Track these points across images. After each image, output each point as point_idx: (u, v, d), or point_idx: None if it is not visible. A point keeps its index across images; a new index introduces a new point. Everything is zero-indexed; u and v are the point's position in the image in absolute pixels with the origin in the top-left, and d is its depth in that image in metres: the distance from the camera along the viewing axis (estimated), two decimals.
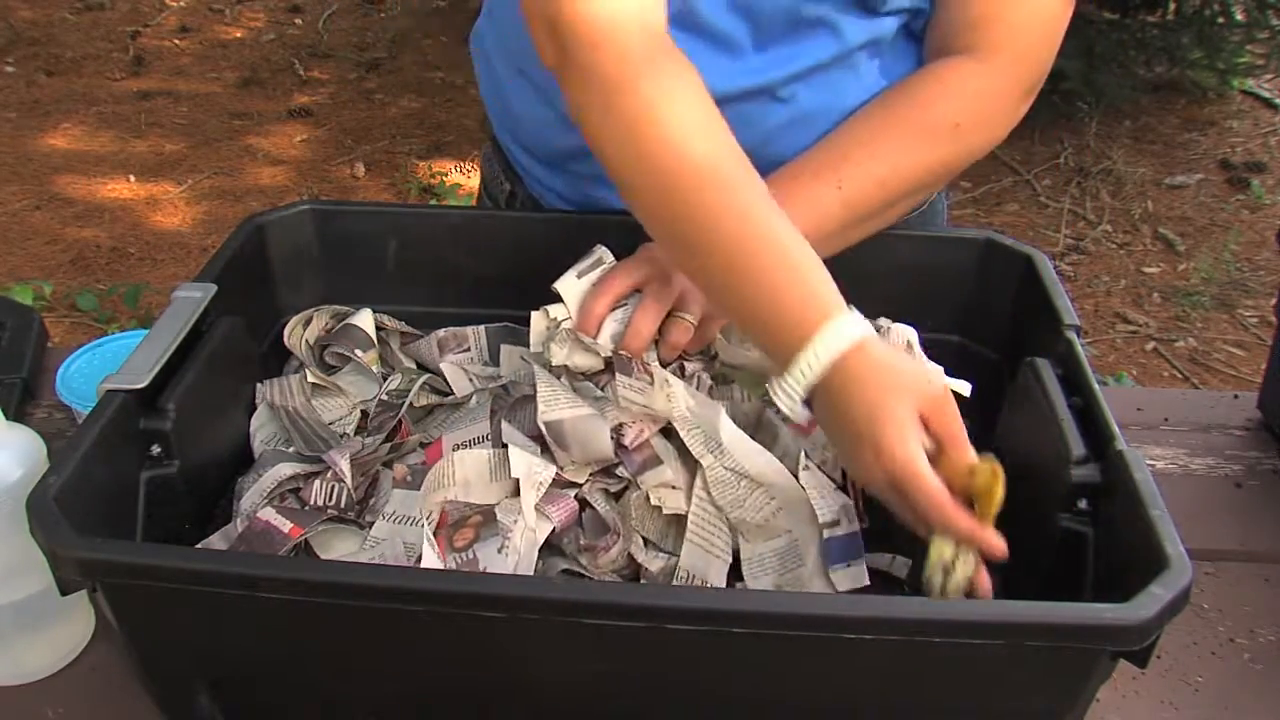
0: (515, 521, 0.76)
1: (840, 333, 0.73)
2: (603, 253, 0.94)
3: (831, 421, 0.75)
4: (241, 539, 0.78)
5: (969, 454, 0.73)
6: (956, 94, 0.92)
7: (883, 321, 0.99)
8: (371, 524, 0.81)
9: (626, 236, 1.00)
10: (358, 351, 0.95)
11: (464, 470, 0.80)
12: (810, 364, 0.73)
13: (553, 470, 0.80)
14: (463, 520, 0.78)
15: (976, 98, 0.92)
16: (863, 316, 0.75)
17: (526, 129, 1.09)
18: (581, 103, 0.81)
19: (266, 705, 0.73)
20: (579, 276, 0.92)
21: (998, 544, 0.70)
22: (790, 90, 0.96)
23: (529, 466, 0.79)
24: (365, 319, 0.98)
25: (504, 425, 0.85)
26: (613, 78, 0.78)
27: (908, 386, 0.72)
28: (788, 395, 0.74)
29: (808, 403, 0.76)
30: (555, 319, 0.91)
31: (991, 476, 0.70)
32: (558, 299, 0.92)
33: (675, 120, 0.78)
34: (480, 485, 0.80)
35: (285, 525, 0.78)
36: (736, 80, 0.95)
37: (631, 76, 0.78)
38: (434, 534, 0.77)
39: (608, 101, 0.79)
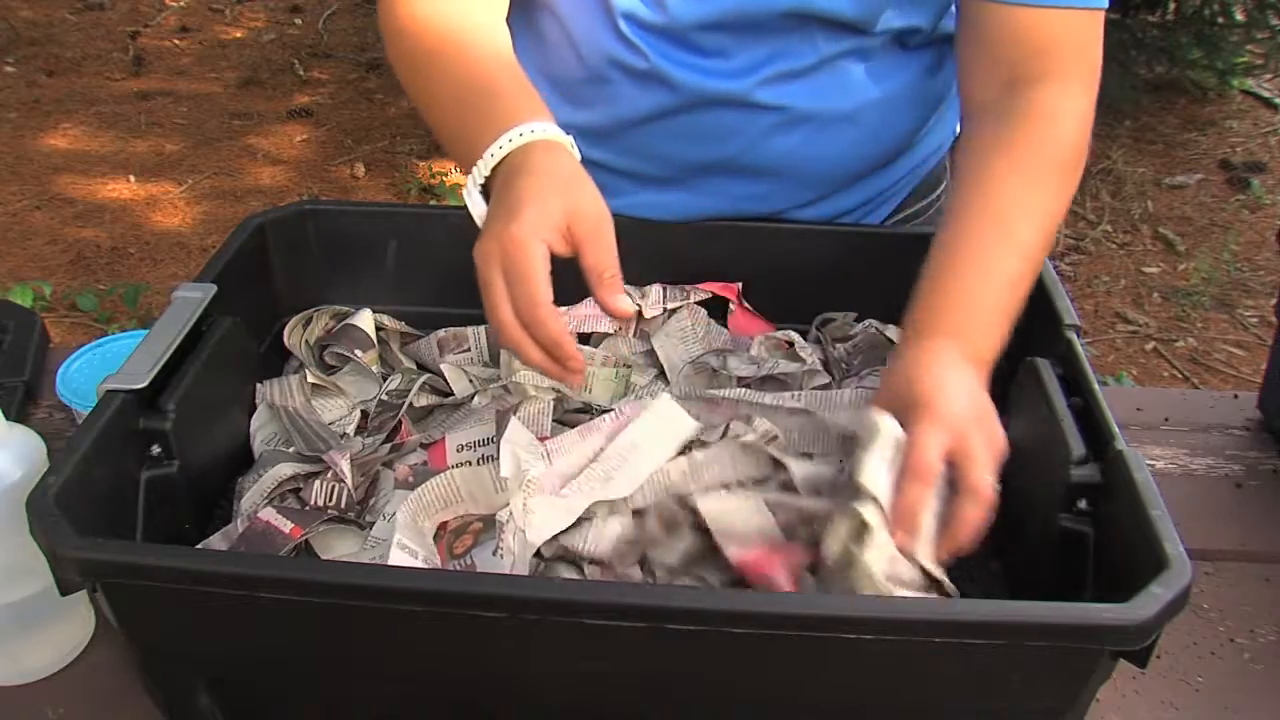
0: (506, 522, 0.76)
1: (534, 129, 0.80)
2: (886, 424, 0.76)
3: (494, 202, 0.79)
4: (242, 539, 0.78)
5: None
6: (1064, 125, 0.91)
7: (874, 324, 0.99)
8: (372, 524, 0.81)
9: (622, 237, 1.00)
10: (357, 352, 0.95)
11: (469, 487, 0.79)
12: (496, 149, 0.80)
13: (542, 466, 0.80)
14: (463, 527, 0.78)
15: (1078, 120, 0.92)
16: (556, 130, 0.82)
17: None
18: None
19: (266, 705, 0.73)
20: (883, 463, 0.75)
21: (572, 358, 0.75)
22: (770, 94, 0.96)
23: (517, 464, 0.78)
24: (365, 319, 0.98)
25: (513, 421, 0.83)
26: None
27: (565, 193, 0.77)
28: (475, 179, 0.80)
29: (485, 193, 0.81)
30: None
31: None
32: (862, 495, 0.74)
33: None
34: (485, 499, 0.80)
35: (286, 525, 0.78)
36: (714, 84, 0.95)
37: None
38: (434, 540, 0.77)
39: None
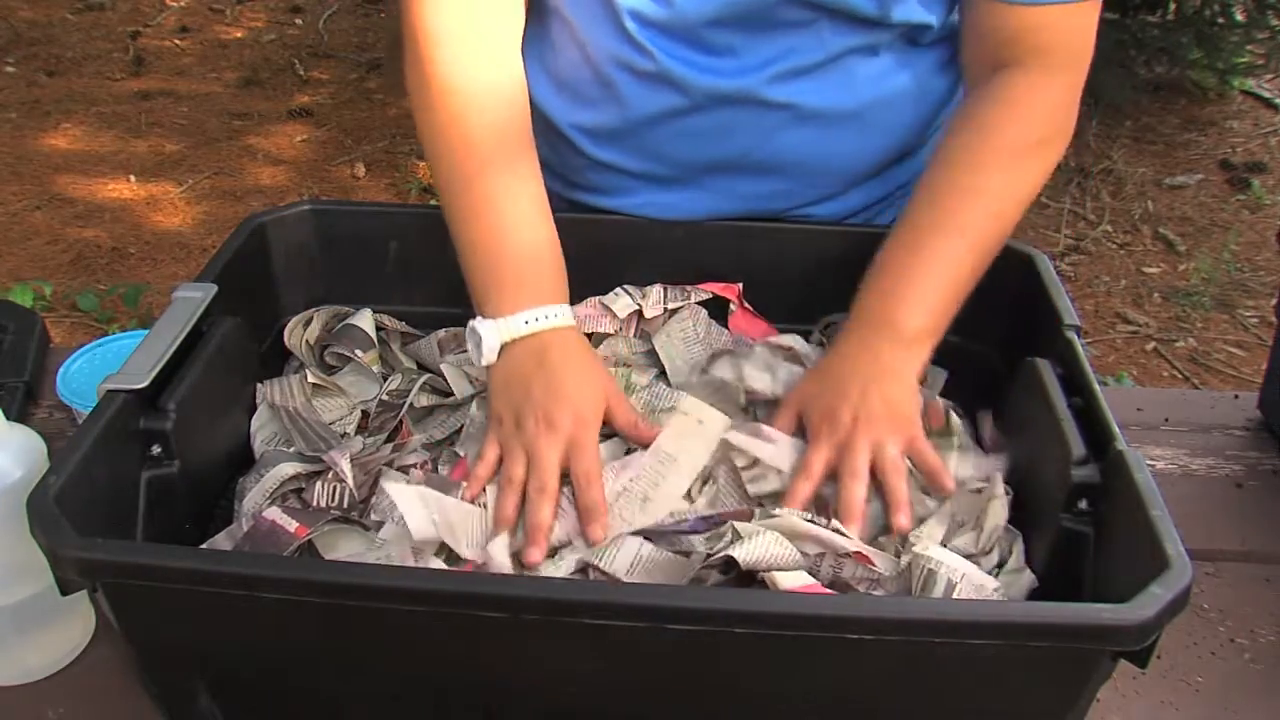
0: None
1: (564, 314, 0.89)
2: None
3: (516, 370, 0.87)
4: (247, 538, 0.78)
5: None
6: (1029, 111, 0.92)
7: None
8: (379, 524, 0.80)
9: (623, 237, 1.00)
10: (358, 351, 0.95)
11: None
12: (527, 321, 0.87)
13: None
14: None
15: (1048, 108, 0.93)
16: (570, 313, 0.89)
17: None
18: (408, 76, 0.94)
19: (266, 705, 0.73)
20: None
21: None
22: (779, 92, 0.96)
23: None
24: (365, 319, 0.98)
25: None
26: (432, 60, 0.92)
27: (586, 395, 0.85)
28: (490, 334, 0.87)
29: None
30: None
31: None
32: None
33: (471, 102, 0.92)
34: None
35: (291, 525, 0.78)
36: (722, 83, 0.95)
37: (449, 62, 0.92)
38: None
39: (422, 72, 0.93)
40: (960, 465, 0.85)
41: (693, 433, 0.83)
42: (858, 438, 0.82)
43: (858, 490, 0.80)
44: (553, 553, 0.78)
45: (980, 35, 0.94)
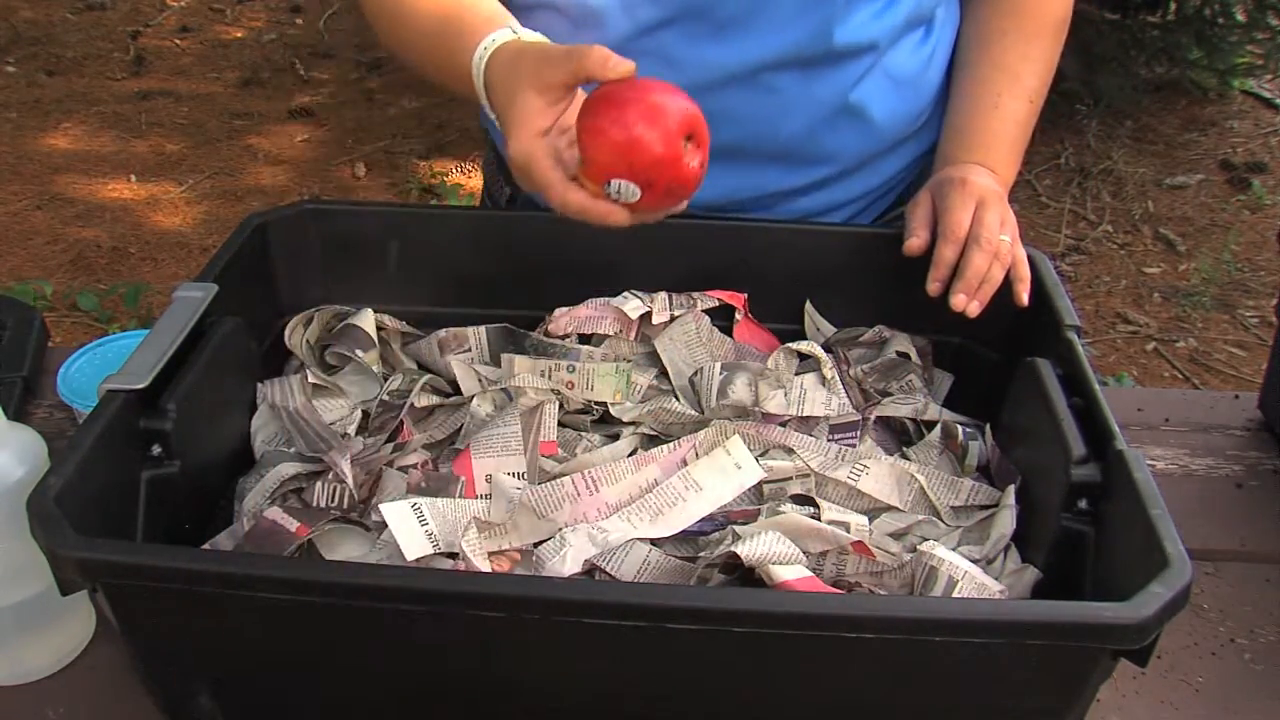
0: (550, 559, 0.76)
1: (493, 39, 0.82)
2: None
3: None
4: (248, 538, 0.78)
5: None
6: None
7: (883, 330, 0.99)
8: (381, 525, 0.80)
9: (628, 238, 1.00)
10: (358, 352, 0.95)
11: (515, 520, 0.79)
12: (476, 74, 0.82)
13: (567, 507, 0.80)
14: (500, 552, 0.78)
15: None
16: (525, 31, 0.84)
17: None
18: None
19: (267, 705, 0.73)
20: None
21: (610, 213, 0.78)
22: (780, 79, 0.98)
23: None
24: (366, 319, 0.98)
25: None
26: None
27: (526, 73, 0.78)
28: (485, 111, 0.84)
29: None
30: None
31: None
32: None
33: None
34: (529, 526, 0.80)
35: (292, 524, 0.78)
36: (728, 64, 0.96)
37: None
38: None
39: None
40: (975, 494, 0.85)
41: (728, 474, 0.82)
42: (991, 210, 0.94)
43: (992, 268, 0.92)
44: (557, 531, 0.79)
45: None
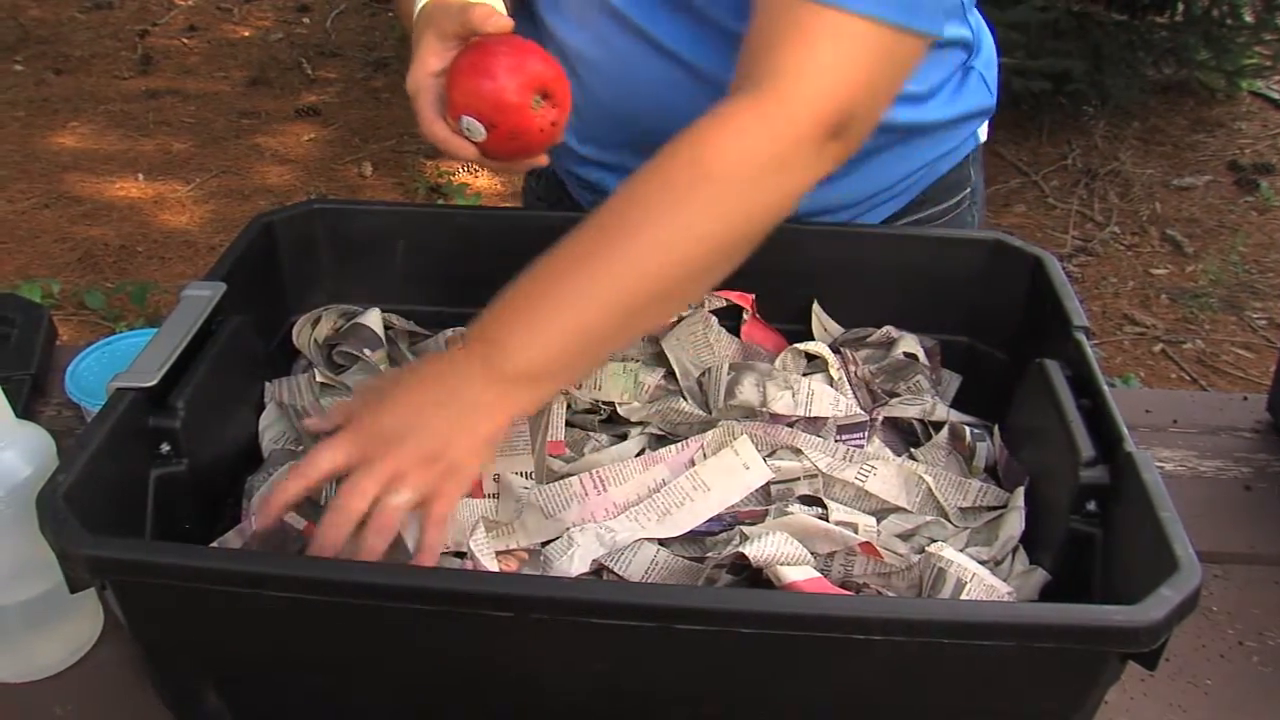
0: (558, 559, 0.76)
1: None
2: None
3: None
4: (255, 536, 0.78)
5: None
6: (741, 137, 0.76)
7: (890, 331, 0.99)
8: None
9: None
10: (366, 351, 0.95)
11: (523, 519, 0.79)
12: (414, 20, 0.90)
13: (575, 508, 0.80)
14: (506, 551, 0.78)
15: (766, 139, 0.76)
16: None
17: None
18: None
19: (274, 703, 0.73)
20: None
21: (460, 147, 0.86)
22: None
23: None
24: (374, 318, 0.98)
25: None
26: None
27: (433, 21, 0.87)
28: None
29: None
30: None
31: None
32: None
33: None
34: (536, 526, 0.79)
35: (300, 523, 0.78)
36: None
37: None
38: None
39: None
40: (983, 495, 0.85)
41: (735, 475, 0.82)
42: (381, 465, 0.70)
43: (337, 519, 0.70)
44: (564, 531, 0.78)
45: (745, 39, 0.82)
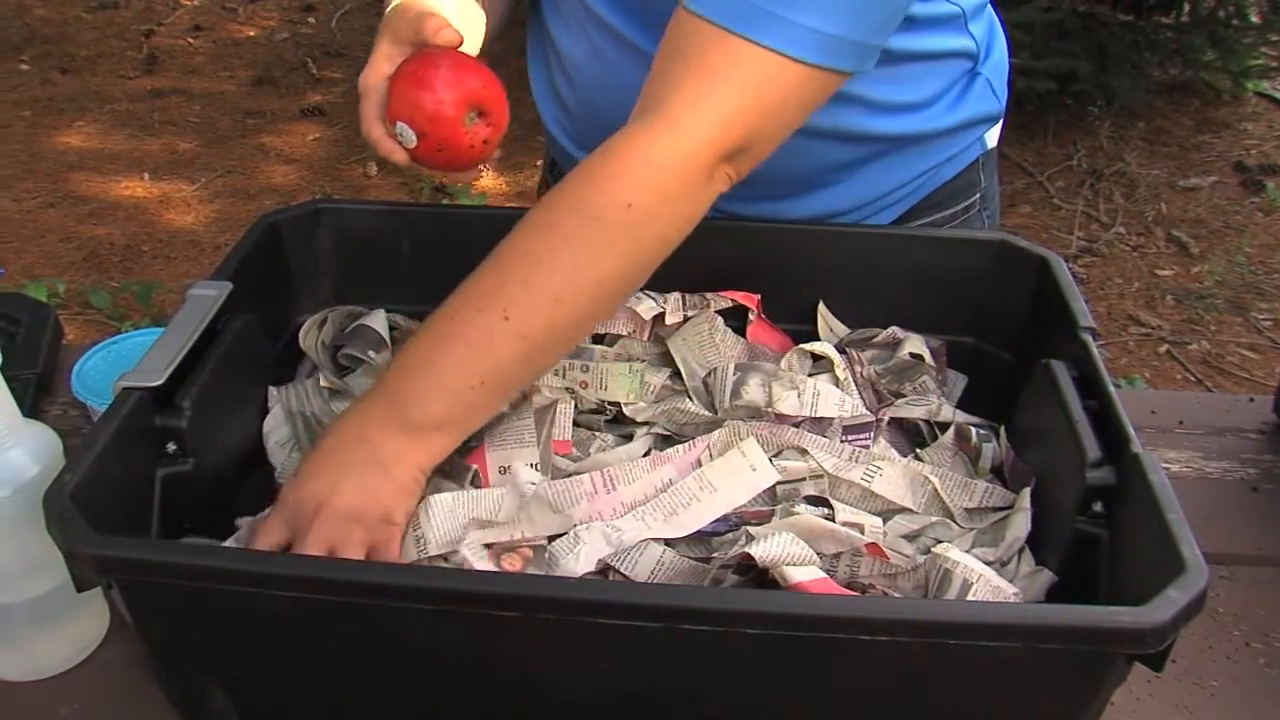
0: (564, 556, 0.76)
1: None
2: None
3: None
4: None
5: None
6: (627, 169, 0.76)
7: (896, 331, 0.99)
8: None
9: None
10: (370, 353, 0.95)
11: (529, 511, 0.79)
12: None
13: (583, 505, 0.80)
14: (512, 547, 0.78)
15: (652, 169, 0.76)
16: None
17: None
18: None
19: (280, 702, 0.73)
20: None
21: (392, 150, 0.89)
22: None
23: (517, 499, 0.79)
24: (379, 320, 0.98)
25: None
26: None
27: (391, 25, 0.89)
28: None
29: None
30: None
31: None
32: None
33: None
34: (543, 520, 0.79)
35: None
36: None
37: None
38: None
39: None
40: (989, 496, 0.85)
41: (742, 476, 0.82)
42: (311, 533, 0.72)
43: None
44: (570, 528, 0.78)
45: (654, 59, 0.81)
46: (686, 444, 0.85)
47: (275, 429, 0.91)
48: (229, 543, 0.79)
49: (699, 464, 0.84)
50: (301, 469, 0.78)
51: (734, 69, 0.76)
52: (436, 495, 0.79)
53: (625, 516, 0.79)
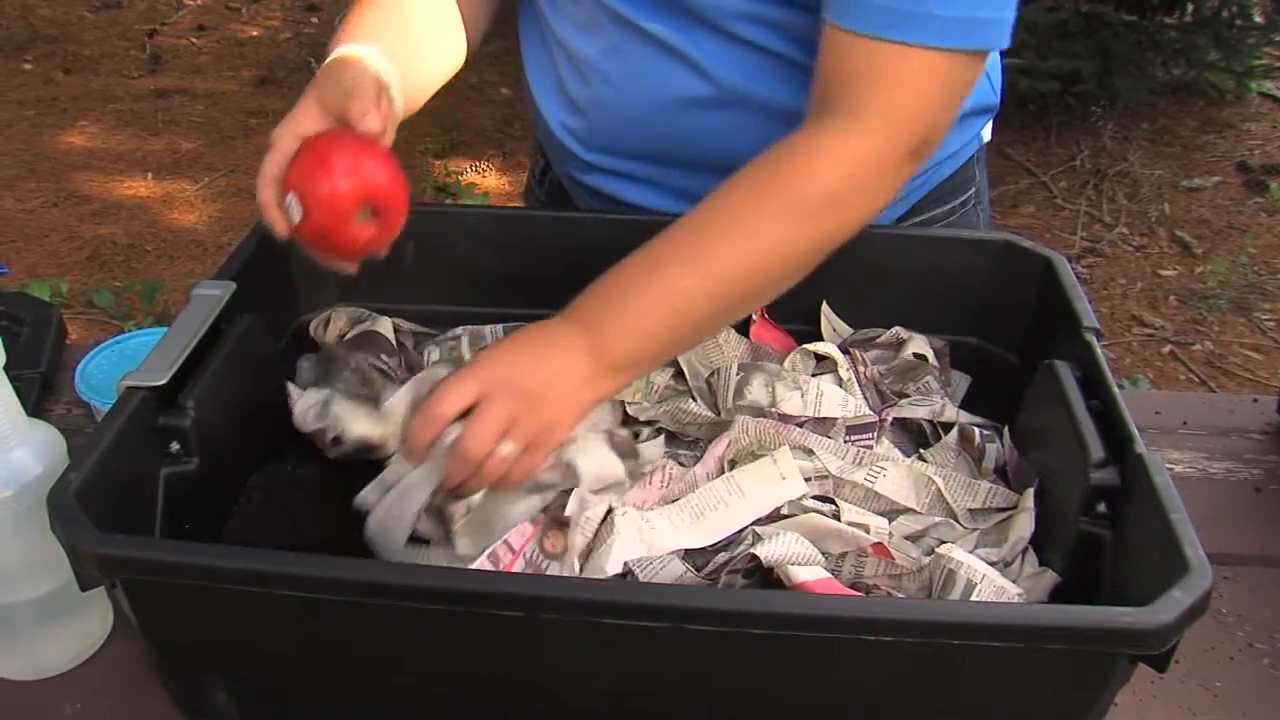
0: (600, 524, 0.77)
1: (340, 51, 0.90)
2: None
3: None
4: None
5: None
6: (828, 162, 0.83)
7: (900, 331, 0.99)
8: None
9: (644, 238, 1.00)
10: (384, 356, 0.95)
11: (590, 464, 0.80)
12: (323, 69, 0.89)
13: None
14: (555, 523, 0.78)
15: (849, 165, 0.84)
16: (374, 54, 0.89)
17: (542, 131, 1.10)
18: None
19: (284, 702, 0.73)
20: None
21: (275, 218, 0.85)
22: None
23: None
24: (385, 326, 0.98)
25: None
26: None
27: (321, 85, 0.87)
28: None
29: None
30: None
31: None
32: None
33: None
34: (596, 470, 0.81)
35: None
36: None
37: None
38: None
39: None
40: (992, 496, 0.85)
41: (772, 483, 0.82)
42: (500, 404, 0.76)
43: (458, 466, 0.75)
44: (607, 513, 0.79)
45: (817, 69, 0.87)
46: (714, 441, 0.86)
47: (304, 399, 0.91)
48: (395, 396, 0.84)
49: (725, 462, 0.85)
50: (500, 349, 0.80)
51: (901, 73, 0.83)
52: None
53: (658, 509, 0.79)
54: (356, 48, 0.90)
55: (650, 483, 0.83)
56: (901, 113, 0.84)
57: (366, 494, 0.81)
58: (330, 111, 0.86)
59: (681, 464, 0.86)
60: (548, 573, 0.76)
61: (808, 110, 0.88)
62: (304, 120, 0.86)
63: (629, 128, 1.00)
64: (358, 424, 0.87)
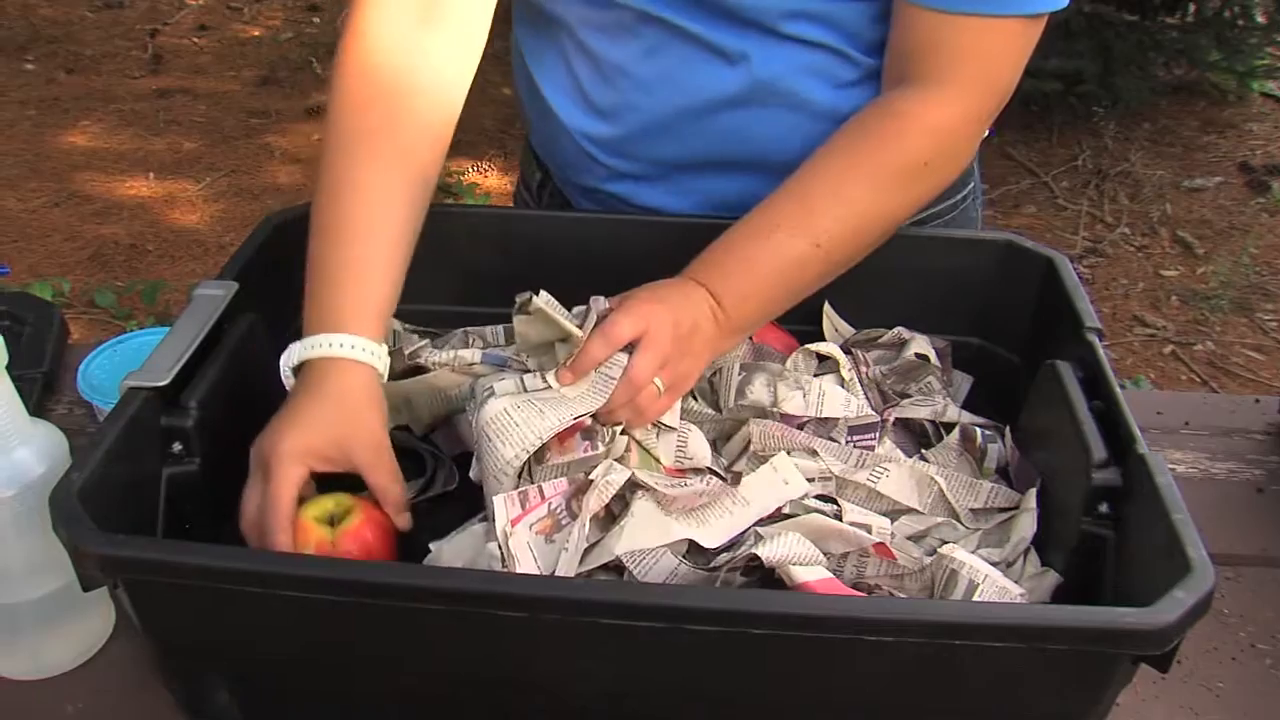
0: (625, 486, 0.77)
1: (347, 343, 0.82)
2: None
3: (287, 401, 0.82)
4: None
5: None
6: (918, 130, 0.89)
7: (902, 331, 0.99)
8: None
9: (646, 238, 1.00)
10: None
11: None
12: (303, 349, 0.82)
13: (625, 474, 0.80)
14: (585, 487, 0.78)
15: (938, 132, 0.89)
16: (364, 345, 0.82)
17: (541, 140, 1.10)
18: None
19: (285, 702, 0.73)
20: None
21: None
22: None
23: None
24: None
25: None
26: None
27: (346, 422, 0.79)
28: (287, 356, 0.83)
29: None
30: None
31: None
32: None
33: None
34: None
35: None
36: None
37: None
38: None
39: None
40: (994, 496, 0.85)
41: (775, 489, 0.82)
42: (671, 345, 0.81)
43: (624, 390, 0.80)
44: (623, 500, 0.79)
45: (893, 43, 0.92)
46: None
47: None
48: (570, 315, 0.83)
49: (725, 469, 0.85)
50: (653, 292, 0.83)
51: (985, 43, 0.87)
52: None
53: (670, 510, 0.79)
54: (348, 348, 0.82)
55: (687, 483, 0.82)
56: (984, 80, 0.89)
57: (495, 385, 0.81)
58: (338, 454, 0.79)
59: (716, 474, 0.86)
60: (564, 530, 0.76)
61: (884, 82, 0.94)
62: (309, 457, 0.78)
63: (660, 131, 0.99)
64: None
